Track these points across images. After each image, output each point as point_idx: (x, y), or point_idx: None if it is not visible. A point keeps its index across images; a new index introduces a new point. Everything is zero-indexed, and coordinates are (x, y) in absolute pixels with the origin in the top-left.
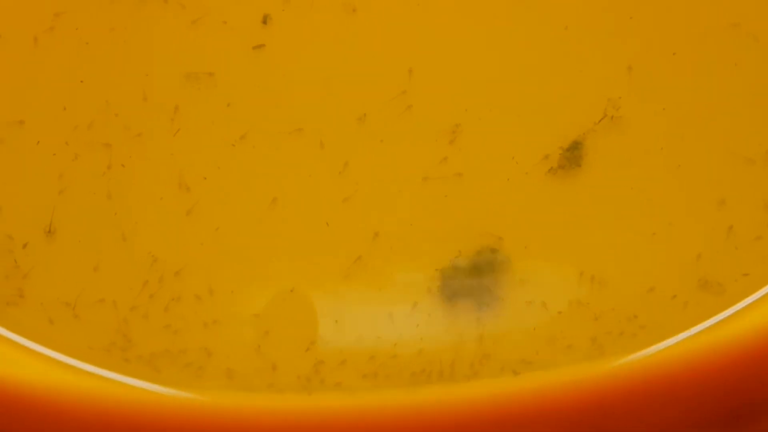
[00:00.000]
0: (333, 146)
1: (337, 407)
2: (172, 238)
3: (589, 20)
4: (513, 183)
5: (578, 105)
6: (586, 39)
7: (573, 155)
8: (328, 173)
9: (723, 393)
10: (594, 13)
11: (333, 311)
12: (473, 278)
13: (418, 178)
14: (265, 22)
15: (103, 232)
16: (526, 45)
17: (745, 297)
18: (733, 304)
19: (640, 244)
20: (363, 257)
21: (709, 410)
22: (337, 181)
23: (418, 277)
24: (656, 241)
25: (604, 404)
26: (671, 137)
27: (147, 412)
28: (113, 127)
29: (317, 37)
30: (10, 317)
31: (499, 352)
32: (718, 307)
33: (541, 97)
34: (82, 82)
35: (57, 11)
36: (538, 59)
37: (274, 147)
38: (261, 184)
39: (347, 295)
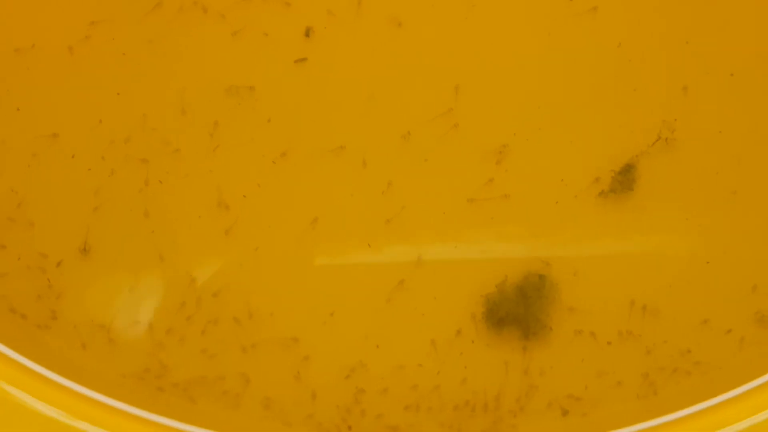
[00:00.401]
0: (376, 165)
1: None
2: (211, 258)
3: (644, 38)
4: (562, 206)
5: (631, 126)
6: (640, 57)
7: (625, 178)
8: (371, 193)
9: None
10: (648, 30)
11: (374, 336)
12: (519, 305)
13: (464, 200)
14: (307, 35)
15: (139, 251)
16: (577, 62)
17: None
18: None
19: (693, 273)
20: (405, 281)
21: None
22: (380, 201)
23: (462, 303)
24: (710, 270)
25: None
26: (727, 161)
27: None
28: (151, 141)
29: (361, 51)
30: (42, 341)
31: (546, 385)
32: None
33: (592, 117)
34: (118, 94)
35: (93, 20)
36: (589, 77)
37: (316, 165)
38: (302, 203)
39: (389, 319)
